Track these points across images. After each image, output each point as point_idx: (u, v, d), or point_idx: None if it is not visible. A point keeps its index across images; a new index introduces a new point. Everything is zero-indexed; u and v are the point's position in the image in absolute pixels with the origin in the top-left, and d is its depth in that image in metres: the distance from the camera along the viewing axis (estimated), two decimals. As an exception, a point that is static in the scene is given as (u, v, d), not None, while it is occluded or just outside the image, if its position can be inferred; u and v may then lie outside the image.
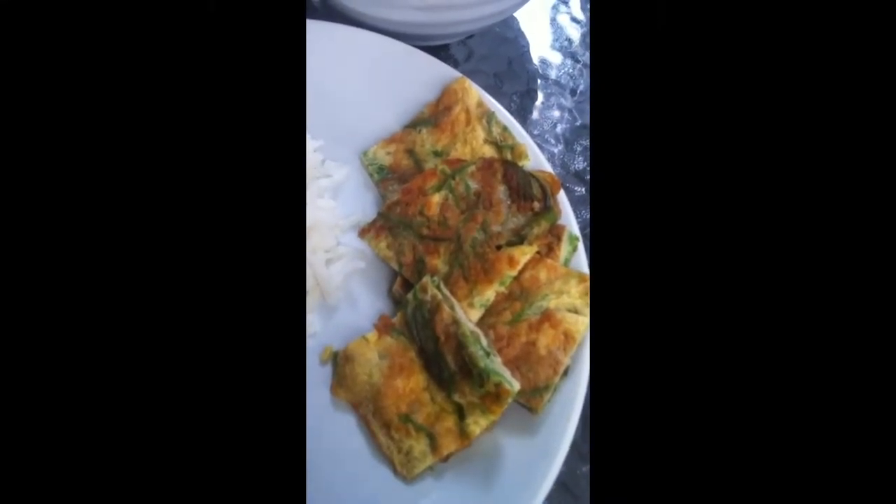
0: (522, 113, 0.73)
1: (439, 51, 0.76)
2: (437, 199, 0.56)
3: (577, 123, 0.73)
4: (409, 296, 0.52)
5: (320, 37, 0.65)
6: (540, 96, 0.74)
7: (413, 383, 0.51)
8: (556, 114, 0.73)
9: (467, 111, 0.61)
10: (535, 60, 0.77)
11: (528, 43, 0.78)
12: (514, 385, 0.47)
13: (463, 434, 0.48)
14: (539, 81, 0.75)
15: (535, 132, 0.71)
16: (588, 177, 0.69)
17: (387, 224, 0.56)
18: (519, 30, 0.79)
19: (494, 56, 0.76)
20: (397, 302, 0.55)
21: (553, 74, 0.75)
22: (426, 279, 0.52)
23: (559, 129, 0.72)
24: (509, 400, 0.47)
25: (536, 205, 0.56)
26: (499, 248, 0.54)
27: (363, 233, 0.57)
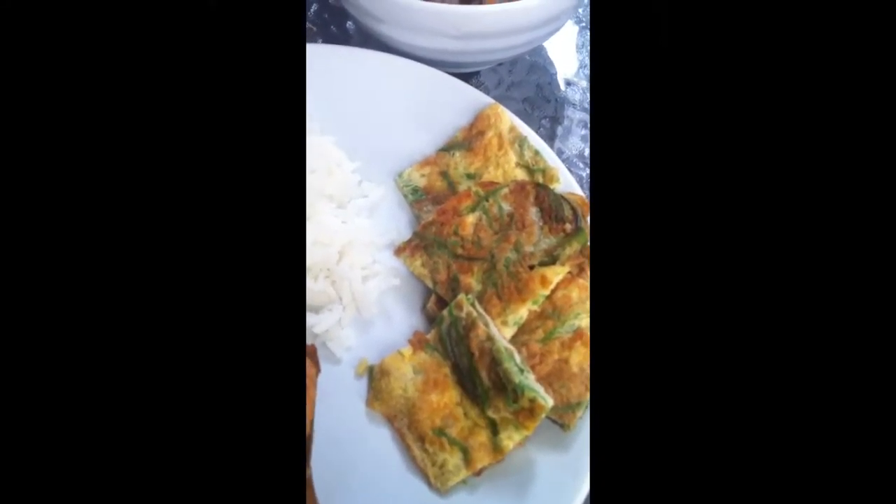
0: (551, 137, 0.75)
1: (470, 77, 0.78)
2: (471, 219, 0.58)
3: (605, 148, 0.74)
4: (444, 312, 0.54)
5: (357, 63, 0.68)
6: (567, 121, 0.76)
7: (447, 398, 0.52)
8: (584, 137, 0.75)
9: (500, 136, 0.64)
10: (563, 86, 0.79)
11: (556, 70, 0.80)
12: (548, 401, 0.48)
13: (496, 448, 0.49)
14: (567, 107, 0.77)
15: (564, 156, 0.73)
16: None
17: (422, 243, 0.58)
18: (547, 57, 0.81)
19: (524, 83, 0.78)
20: (431, 319, 0.56)
21: (580, 100, 0.78)
22: (461, 297, 0.53)
23: (587, 152, 0.74)
24: (543, 416, 0.48)
25: (568, 226, 0.57)
26: (531, 267, 0.55)
27: (399, 251, 0.59)
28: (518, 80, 0.78)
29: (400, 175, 0.64)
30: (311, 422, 0.44)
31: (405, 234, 0.61)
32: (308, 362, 0.44)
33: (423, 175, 0.64)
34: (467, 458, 0.50)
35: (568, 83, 0.79)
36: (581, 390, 0.51)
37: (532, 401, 0.48)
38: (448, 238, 0.57)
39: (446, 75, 0.67)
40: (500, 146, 0.63)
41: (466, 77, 0.75)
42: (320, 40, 0.78)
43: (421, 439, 0.51)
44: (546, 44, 0.83)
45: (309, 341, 0.53)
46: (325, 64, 0.67)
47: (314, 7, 0.80)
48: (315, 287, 0.55)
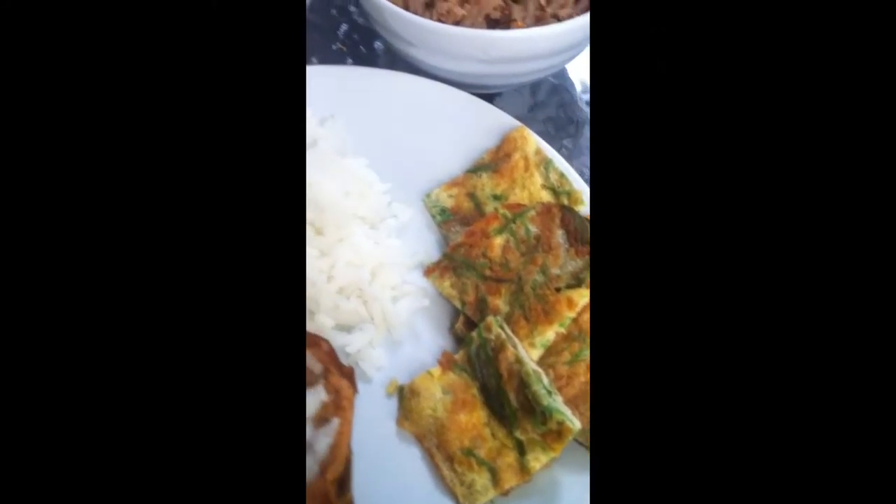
0: (573, 157, 0.76)
1: (493, 98, 0.79)
2: (499, 241, 0.59)
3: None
4: (474, 334, 0.55)
5: (388, 85, 0.69)
6: (589, 142, 0.77)
7: (475, 418, 0.53)
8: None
9: (526, 158, 0.65)
10: (584, 107, 0.80)
11: (577, 90, 0.81)
12: (576, 424, 0.49)
13: (523, 469, 0.50)
14: (588, 128, 0.78)
15: (585, 176, 0.74)
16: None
17: (451, 264, 0.59)
18: (569, 78, 0.82)
19: (546, 103, 0.80)
20: (459, 339, 0.58)
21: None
22: (490, 319, 0.54)
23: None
24: (570, 438, 0.49)
25: (594, 250, 0.58)
26: (558, 290, 0.57)
27: (428, 272, 0.60)
28: (541, 100, 0.80)
29: (428, 196, 0.65)
30: (349, 443, 0.45)
31: (433, 254, 0.62)
32: (345, 384, 0.46)
33: (450, 196, 0.65)
34: (495, 479, 0.51)
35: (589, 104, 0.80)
36: (607, 413, 0.52)
37: (560, 423, 0.49)
38: (476, 260, 0.59)
39: (474, 98, 0.68)
40: (527, 168, 0.64)
41: (488, 98, 0.76)
42: (350, 60, 0.79)
43: (450, 459, 0.52)
44: (568, 65, 0.84)
45: (342, 359, 0.55)
46: (356, 86, 0.69)
47: (343, 27, 0.82)
48: (347, 306, 0.56)
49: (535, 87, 0.80)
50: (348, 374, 0.47)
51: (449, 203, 0.64)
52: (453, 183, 0.65)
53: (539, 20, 0.70)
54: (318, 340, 0.47)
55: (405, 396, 0.55)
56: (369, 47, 0.80)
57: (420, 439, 0.53)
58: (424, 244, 0.63)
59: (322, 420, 0.44)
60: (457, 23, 0.69)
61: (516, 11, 0.70)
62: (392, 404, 0.55)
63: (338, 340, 0.55)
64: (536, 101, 0.80)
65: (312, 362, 0.46)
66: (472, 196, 0.64)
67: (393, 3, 0.68)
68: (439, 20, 0.70)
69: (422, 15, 0.70)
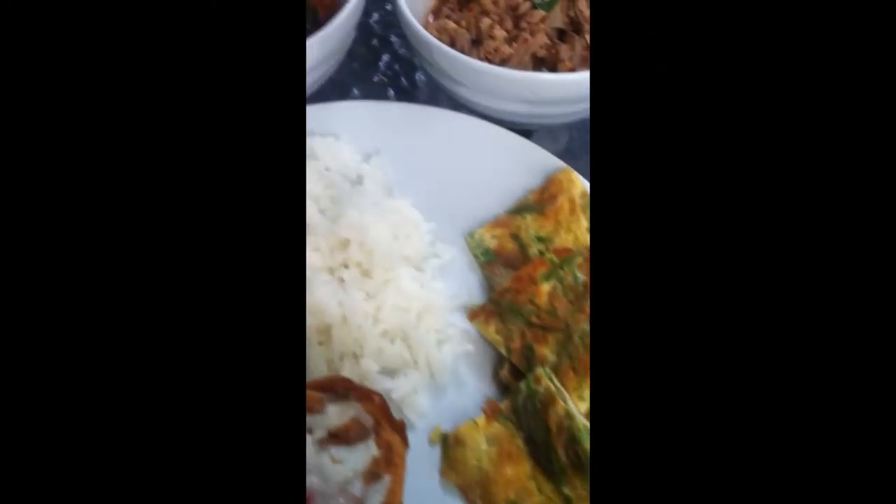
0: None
1: (530, 134, 0.79)
2: (546, 288, 0.58)
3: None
4: (521, 385, 0.54)
5: (430, 121, 0.69)
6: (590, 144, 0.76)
7: (521, 471, 0.52)
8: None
9: (571, 201, 0.64)
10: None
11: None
12: (628, 484, 0.48)
13: (571, 527, 0.49)
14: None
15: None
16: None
17: (497, 309, 0.58)
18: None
19: (584, 141, 0.79)
20: (504, 386, 0.57)
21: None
22: (540, 370, 0.53)
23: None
24: (621, 498, 0.48)
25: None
26: (606, 340, 0.56)
27: (473, 316, 0.59)
28: (576, 137, 0.79)
29: (471, 235, 0.64)
30: (401, 501, 0.44)
31: (476, 296, 0.62)
32: (397, 439, 0.45)
33: (494, 236, 0.64)
34: (542, 535, 0.50)
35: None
36: (657, 471, 0.50)
37: (611, 482, 0.48)
38: (523, 306, 0.58)
39: (518, 136, 0.68)
40: (572, 211, 0.64)
41: (525, 135, 0.76)
42: (391, 92, 0.79)
43: (495, 513, 0.51)
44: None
45: (388, 404, 0.53)
46: (398, 122, 0.69)
47: (385, 58, 0.81)
48: (392, 350, 0.56)
49: (571, 125, 0.80)
50: (400, 428, 0.46)
51: (492, 244, 0.64)
52: (496, 223, 0.65)
53: (585, 60, 0.70)
54: (370, 394, 0.46)
55: (449, 445, 0.54)
56: (410, 79, 0.80)
57: (464, 491, 0.52)
58: (467, 285, 0.62)
59: (373, 476, 0.43)
60: (504, 61, 0.69)
61: (563, 51, 0.69)
62: (435, 453, 0.54)
63: (383, 385, 0.54)
64: (570, 138, 0.79)
65: (364, 416, 0.45)
66: (515, 237, 0.64)
67: (440, 39, 0.68)
68: (486, 58, 0.69)
69: (468, 52, 0.69)
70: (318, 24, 0.73)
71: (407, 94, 0.79)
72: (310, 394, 0.45)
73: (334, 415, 0.45)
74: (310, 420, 0.44)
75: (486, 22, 0.69)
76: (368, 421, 0.45)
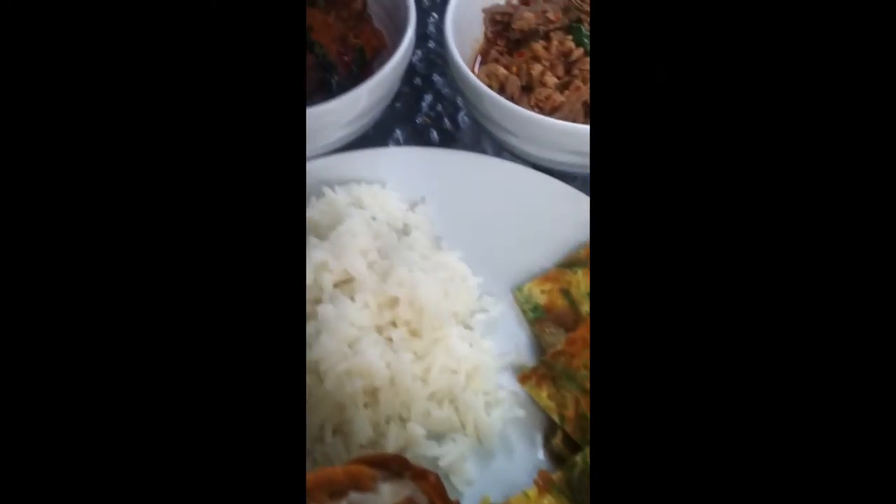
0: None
1: (574, 180, 0.77)
2: (601, 352, 0.56)
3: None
4: (577, 458, 0.51)
5: (476, 169, 0.67)
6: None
7: (575, 549, 0.49)
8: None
9: (624, 256, 0.62)
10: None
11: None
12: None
13: None
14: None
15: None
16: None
17: (549, 373, 0.56)
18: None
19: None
20: (556, 455, 0.54)
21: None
22: (598, 443, 0.51)
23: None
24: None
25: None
26: (665, 410, 0.53)
27: (524, 379, 0.56)
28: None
29: (519, 289, 0.62)
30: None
31: (525, 354, 0.59)
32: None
33: (543, 291, 0.62)
34: None
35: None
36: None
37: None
38: (578, 371, 0.55)
39: (569, 187, 0.66)
40: (625, 268, 0.61)
41: (570, 179, 0.74)
42: (435, 133, 0.78)
43: None
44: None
45: (443, 484, 0.51)
46: (443, 169, 0.67)
47: (428, 98, 0.80)
48: (440, 414, 0.53)
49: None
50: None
51: (542, 300, 0.61)
52: (546, 278, 0.62)
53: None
54: (426, 473, 0.43)
55: (500, 519, 0.51)
56: (454, 120, 0.79)
57: (515, 569, 0.50)
58: (515, 342, 0.60)
59: (426, 560, 0.41)
60: (554, 109, 0.67)
61: (617, 100, 0.67)
62: (484, 525, 0.52)
63: (430, 452, 0.52)
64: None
65: (419, 496, 0.43)
66: (566, 293, 0.61)
67: (488, 85, 0.66)
68: (537, 105, 0.68)
69: (518, 99, 0.68)
70: (366, 64, 0.72)
71: (451, 135, 0.78)
72: (363, 470, 0.43)
73: (388, 493, 0.42)
74: (362, 498, 0.42)
75: (537, 68, 0.68)
76: (423, 501, 0.42)
